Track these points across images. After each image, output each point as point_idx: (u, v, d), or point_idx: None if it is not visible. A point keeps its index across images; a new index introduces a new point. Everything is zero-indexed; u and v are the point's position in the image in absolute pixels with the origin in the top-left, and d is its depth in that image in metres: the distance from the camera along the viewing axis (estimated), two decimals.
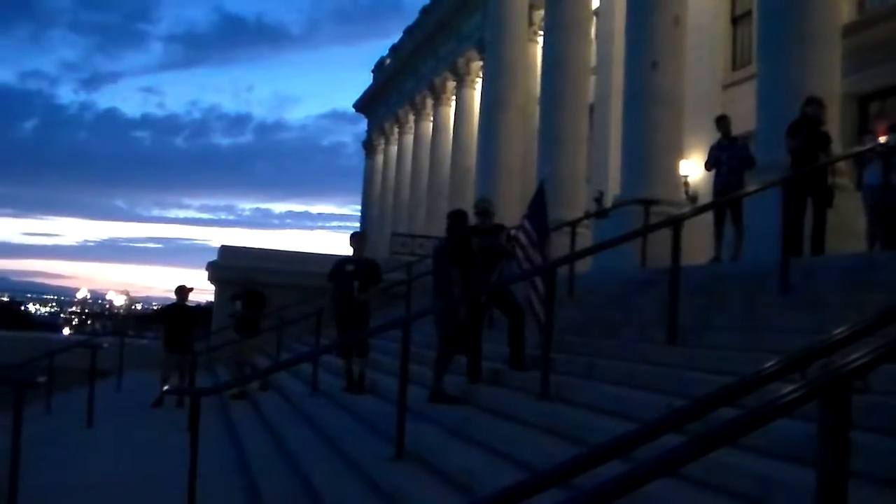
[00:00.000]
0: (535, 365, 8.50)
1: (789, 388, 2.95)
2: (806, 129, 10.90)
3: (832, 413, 2.85)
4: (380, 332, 9.80)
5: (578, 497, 2.71)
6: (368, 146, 50.17)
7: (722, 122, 13.45)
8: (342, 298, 11.84)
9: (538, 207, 9.89)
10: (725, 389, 3.27)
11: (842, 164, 11.84)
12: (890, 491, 3.91)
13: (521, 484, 2.93)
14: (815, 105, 11.09)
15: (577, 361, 8.77)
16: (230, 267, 22.34)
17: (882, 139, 11.20)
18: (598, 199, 18.29)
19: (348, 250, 12.42)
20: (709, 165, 13.45)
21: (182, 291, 16.04)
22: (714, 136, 13.75)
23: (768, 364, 3.35)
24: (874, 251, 10.96)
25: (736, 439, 3.15)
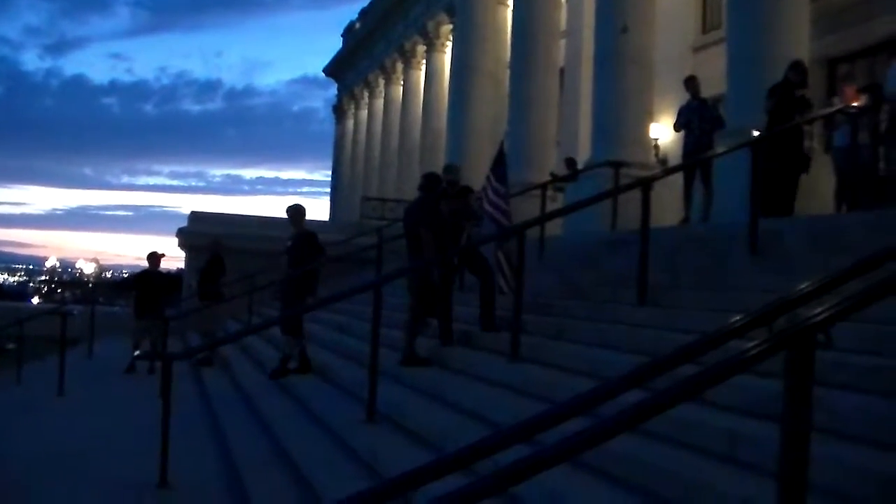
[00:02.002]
0: (505, 326, 8.54)
1: (755, 341, 2.98)
2: (780, 92, 10.90)
3: (797, 365, 2.89)
4: (350, 295, 9.79)
5: (542, 451, 2.73)
6: (339, 111, 49.84)
7: (691, 82, 13.47)
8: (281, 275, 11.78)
9: (500, 166, 9.93)
10: (693, 345, 3.30)
11: (811, 128, 11.86)
12: (852, 445, 3.98)
13: (486, 440, 2.95)
14: (796, 69, 11.06)
15: (547, 323, 8.82)
16: (200, 233, 22.24)
17: (856, 103, 11.18)
18: (572, 163, 18.28)
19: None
20: (678, 126, 13.48)
21: (154, 258, 15.96)
22: (684, 99, 13.78)
23: (735, 319, 3.38)
24: (841, 213, 11.05)
25: (702, 392, 3.19)
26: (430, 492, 2.94)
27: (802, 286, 3.53)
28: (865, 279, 3.50)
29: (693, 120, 13.10)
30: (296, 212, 11.79)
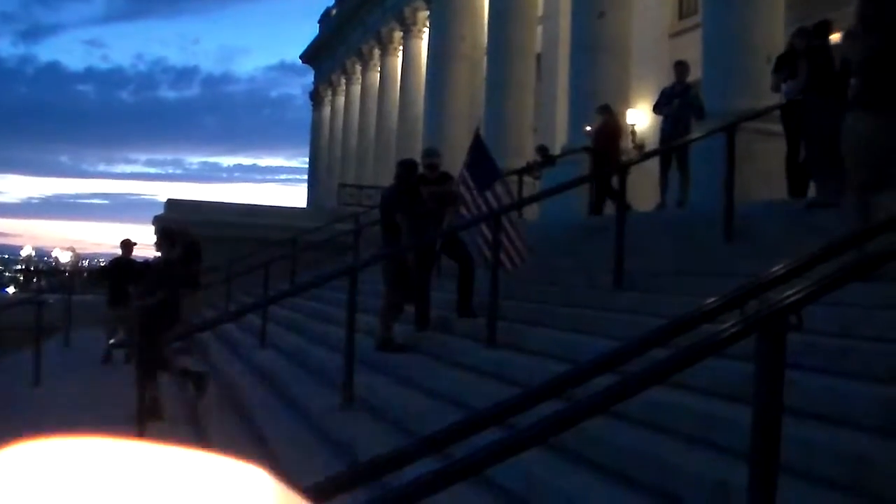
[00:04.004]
0: (482, 312, 8.55)
1: (728, 323, 3.01)
2: (787, 66, 10.70)
3: (769, 347, 2.91)
4: (326, 281, 9.77)
5: (515, 434, 2.75)
6: (316, 98, 49.67)
7: (679, 67, 13.43)
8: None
9: (479, 154, 9.89)
10: (666, 328, 3.32)
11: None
12: (823, 426, 4.02)
13: (460, 423, 2.96)
14: (802, 37, 10.86)
15: (524, 308, 8.83)
16: (177, 221, 22.14)
17: None
18: (544, 151, 18.36)
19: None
20: (658, 109, 13.46)
21: (126, 246, 15.87)
22: (661, 85, 13.79)
23: (708, 301, 3.40)
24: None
25: (674, 375, 3.21)
26: (405, 475, 2.95)
27: (774, 269, 3.56)
28: (836, 262, 3.53)
29: (672, 105, 13.08)
30: (163, 234, 10.65)
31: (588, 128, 14.52)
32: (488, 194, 9.43)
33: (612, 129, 14.38)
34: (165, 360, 9.67)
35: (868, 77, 6.10)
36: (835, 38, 7.98)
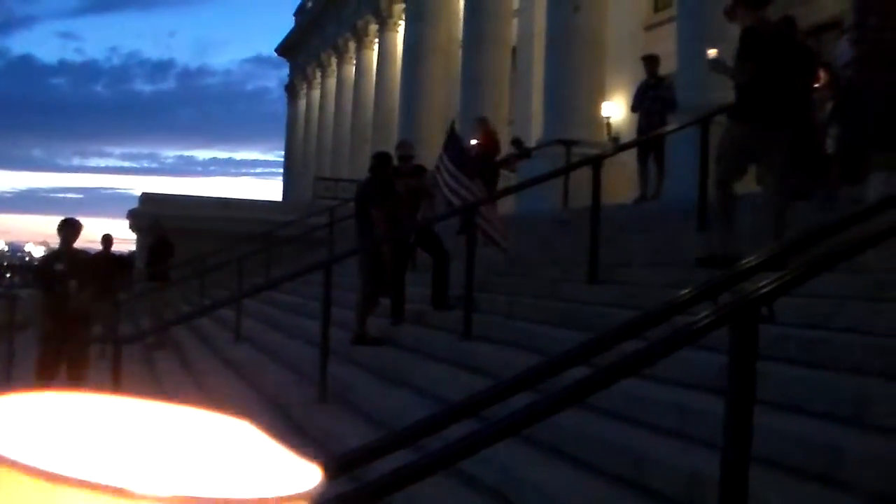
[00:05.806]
0: (457, 305, 8.54)
1: (700, 315, 3.01)
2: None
3: (741, 338, 2.92)
4: (301, 275, 9.74)
5: (489, 426, 2.74)
6: (291, 91, 49.51)
7: (648, 61, 13.44)
8: (55, 306, 9.25)
9: (453, 148, 9.87)
10: (639, 320, 3.32)
11: None
12: (794, 416, 4.04)
13: (433, 416, 2.96)
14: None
15: (499, 301, 8.83)
16: (151, 215, 22.02)
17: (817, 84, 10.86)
18: (519, 143, 18.34)
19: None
20: (635, 107, 13.45)
21: (107, 241, 15.79)
22: (636, 77, 13.78)
23: (681, 293, 3.40)
24: None
25: (647, 366, 3.21)
26: (377, 469, 2.93)
27: (746, 260, 3.57)
28: (807, 254, 3.54)
29: (645, 100, 13.10)
30: (72, 226, 9.48)
31: (473, 141, 14.44)
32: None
33: (489, 141, 14.57)
34: (85, 361, 9.17)
35: (743, 95, 7.23)
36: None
